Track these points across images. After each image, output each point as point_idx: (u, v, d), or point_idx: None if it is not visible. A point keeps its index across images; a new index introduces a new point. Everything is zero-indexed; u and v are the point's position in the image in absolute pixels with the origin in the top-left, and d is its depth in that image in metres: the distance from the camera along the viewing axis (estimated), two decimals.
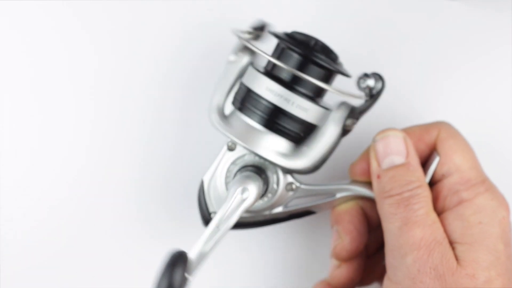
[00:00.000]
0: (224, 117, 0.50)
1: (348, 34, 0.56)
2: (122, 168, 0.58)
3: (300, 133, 0.49)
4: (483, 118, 0.57)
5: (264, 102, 0.48)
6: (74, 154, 0.58)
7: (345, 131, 0.50)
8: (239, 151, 0.51)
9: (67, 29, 0.57)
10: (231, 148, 0.51)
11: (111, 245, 0.58)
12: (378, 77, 0.49)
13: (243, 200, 0.46)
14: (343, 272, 0.52)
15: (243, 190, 0.47)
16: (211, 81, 0.55)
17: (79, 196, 0.58)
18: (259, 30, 0.51)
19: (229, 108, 0.51)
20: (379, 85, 0.49)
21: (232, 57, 0.50)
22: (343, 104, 0.50)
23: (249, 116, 0.49)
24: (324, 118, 0.49)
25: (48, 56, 0.57)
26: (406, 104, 0.57)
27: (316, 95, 0.49)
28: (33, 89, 0.57)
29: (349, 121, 0.49)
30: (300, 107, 0.48)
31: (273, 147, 0.49)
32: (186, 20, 0.57)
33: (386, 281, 0.48)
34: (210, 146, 0.54)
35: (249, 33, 0.50)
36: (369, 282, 0.54)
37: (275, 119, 0.48)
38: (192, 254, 0.45)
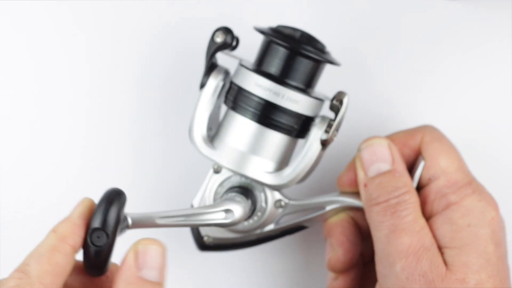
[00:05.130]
0: (207, 140, 0.50)
1: (346, 34, 0.56)
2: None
3: (294, 126, 0.49)
4: (479, 118, 0.56)
5: (255, 98, 0.48)
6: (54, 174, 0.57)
7: (326, 142, 0.50)
8: (224, 173, 0.51)
9: (49, 29, 0.57)
10: (216, 171, 0.51)
11: None
12: (342, 94, 0.49)
13: (224, 219, 0.47)
14: (341, 283, 0.51)
15: (227, 211, 0.47)
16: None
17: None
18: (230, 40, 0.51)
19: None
20: (345, 99, 0.49)
21: (204, 79, 0.51)
22: (322, 118, 0.50)
23: (242, 114, 0.49)
24: (316, 108, 0.49)
25: (23, 62, 0.57)
26: (398, 108, 0.56)
27: (307, 86, 0.49)
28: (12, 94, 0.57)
29: (330, 134, 0.49)
30: (290, 100, 0.48)
31: (257, 166, 0.49)
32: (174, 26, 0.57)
33: None
34: (199, 168, 0.54)
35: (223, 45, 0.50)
36: None
37: (267, 114, 0.48)
38: (143, 215, 0.44)
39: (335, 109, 0.49)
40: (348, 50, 0.55)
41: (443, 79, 0.56)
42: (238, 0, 0.56)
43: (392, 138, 0.50)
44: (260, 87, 0.48)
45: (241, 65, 0.50)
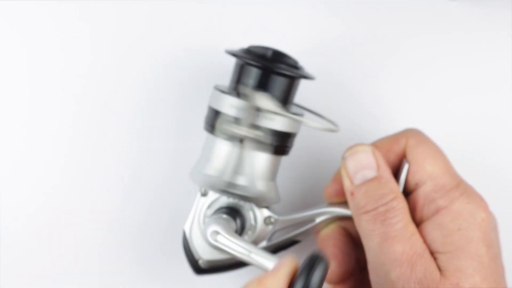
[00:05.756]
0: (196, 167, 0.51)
1: (345, 34, 0.56)
2: (98, 221, 0.57)
3: (273, 143, 0.49)
4: (480, 118, 0.57)
5: (230, 119, 0.48)
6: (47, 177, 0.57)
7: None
8: (212, 195, 0.51)
9: (57, 33, 0.56)
10: (204, 194, 0.51)
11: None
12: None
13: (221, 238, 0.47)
14: None
15: (213, 234, 0.47)
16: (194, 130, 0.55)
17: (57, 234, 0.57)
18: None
19: None
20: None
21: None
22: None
23: (220, 136, 0.49)
24: (294, 124, 0.49)
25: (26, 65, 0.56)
26: (397, 108, 0.57)
27: (283, 102, 0.49)
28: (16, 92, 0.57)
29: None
30: (266, 118, 0.48)
31: (241, 187, 0.49)
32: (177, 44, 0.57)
33: None
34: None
35: None
36: None
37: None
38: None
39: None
40: (346, 49, 0.55)
41: (442, 78, 0.56)
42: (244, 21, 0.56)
43: (376, 144, 0.50)
44: (234, 107, 0.48)
45: (216, 88, 0.50)
